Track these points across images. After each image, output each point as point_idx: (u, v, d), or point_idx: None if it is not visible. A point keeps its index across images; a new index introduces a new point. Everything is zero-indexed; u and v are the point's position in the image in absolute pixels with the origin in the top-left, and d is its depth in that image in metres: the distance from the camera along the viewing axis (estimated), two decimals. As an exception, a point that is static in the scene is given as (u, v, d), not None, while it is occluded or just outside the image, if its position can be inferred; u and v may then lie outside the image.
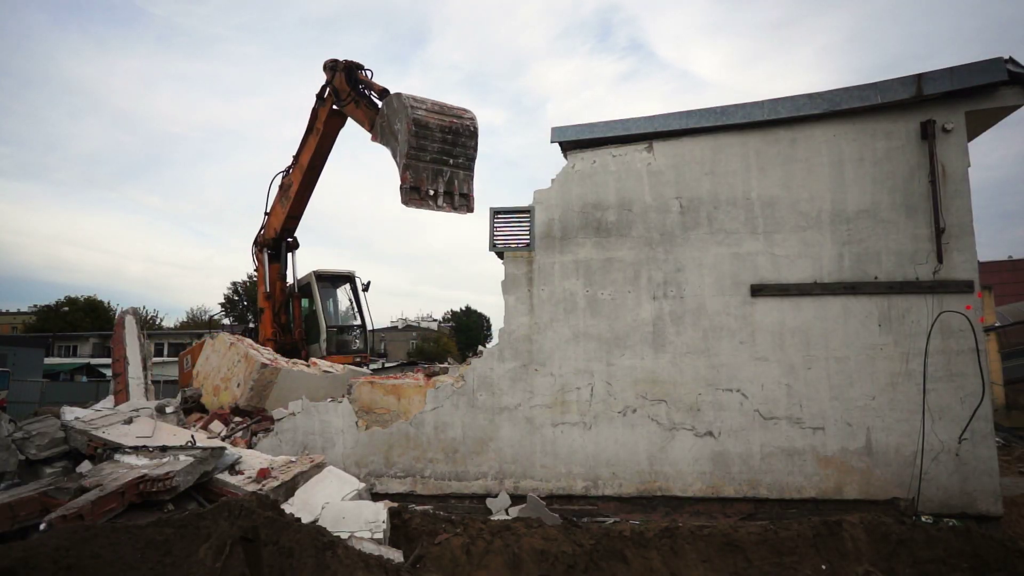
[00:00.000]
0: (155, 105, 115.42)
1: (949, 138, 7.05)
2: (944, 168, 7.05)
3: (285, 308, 13.09)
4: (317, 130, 11.16)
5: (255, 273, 13.52)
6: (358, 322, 15.07)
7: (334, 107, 10.61)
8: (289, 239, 12.77)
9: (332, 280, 14.57)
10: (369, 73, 10.21)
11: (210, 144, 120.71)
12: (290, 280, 13.22)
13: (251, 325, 14.72)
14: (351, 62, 10.32)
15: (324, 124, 10.99)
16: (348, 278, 14.92)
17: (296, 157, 11.81)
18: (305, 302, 14.18)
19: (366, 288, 14.86)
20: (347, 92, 10.10)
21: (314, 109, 11.18)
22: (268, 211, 12.59)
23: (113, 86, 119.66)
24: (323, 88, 10.84)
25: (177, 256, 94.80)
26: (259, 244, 12.82)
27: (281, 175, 12.16)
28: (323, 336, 13.61)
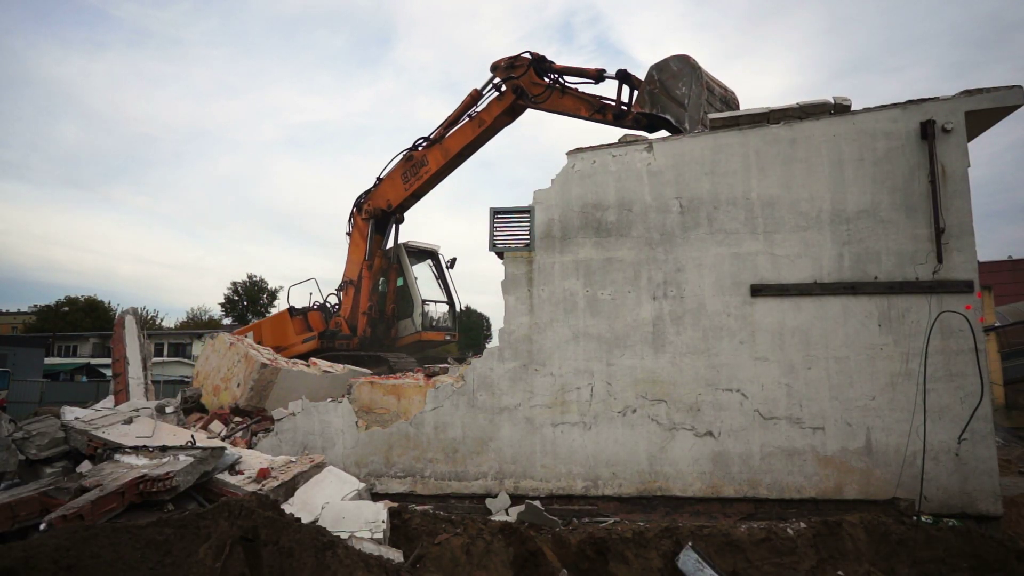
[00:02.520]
0: (128, 107, 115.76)
1: (949, 138, 7.05)
2: (944, 168, 7.05)
3: (376, 283, 12.59)
4: (481, 120, 10.44)
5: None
6: (444, 299, 14.18)
7: (518, 102, 9.99)
8: (399, 215, 12.17)
9: (418, 255, 13.80)
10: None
11: (186, 146, 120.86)
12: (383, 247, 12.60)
13: (332, 302, 13.73)
14: (535, 55, 9.72)
15: (494, 120, 10.32)
16: (431, 254, 14.12)
17: (439, 139, 10.89)
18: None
19: (451, 265, 13.98)
20: (542, 87, 9.57)
21: (474, 96, 10.43)
22: (381, 178, 11.80)
23: (84, 88, 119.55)
24: (499, 83, 10.12)
25: (166, 257, 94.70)
26: (365, 212, 12.05)
27: (410, 150, 11.25)
28: (417, 310, 12.95)
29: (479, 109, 10.54)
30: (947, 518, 6.47)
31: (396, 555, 5.15)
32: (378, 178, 11.88)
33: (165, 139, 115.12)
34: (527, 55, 9.81)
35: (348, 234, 12.48)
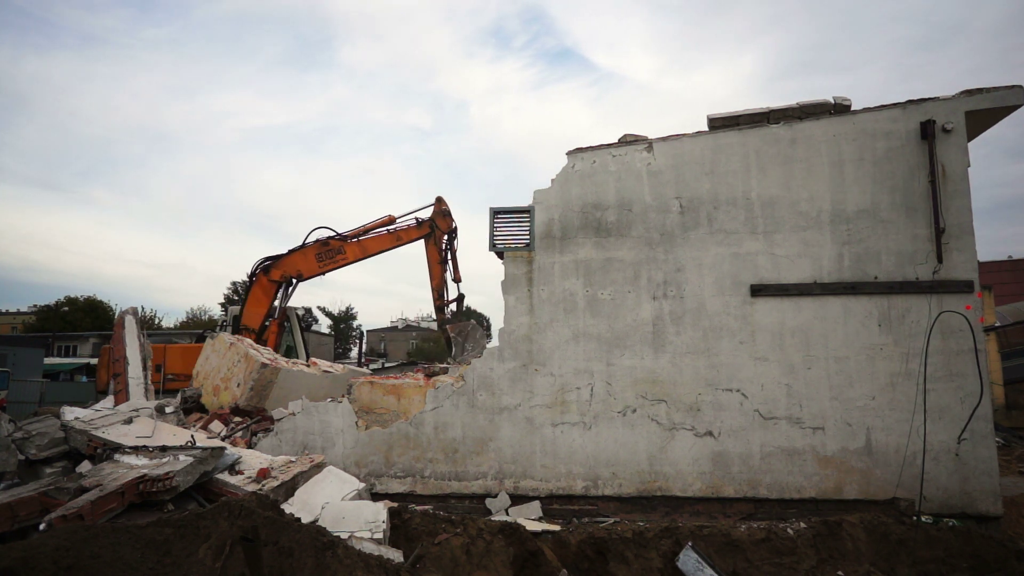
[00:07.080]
0: (85, 110, 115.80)
1: (949, 138, 7.06)
2: (944, 168, 7.05)
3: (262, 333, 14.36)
4: (398, 238, 13.54)
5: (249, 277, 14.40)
6: (298, 354, 15.93)
7: (424, 238, 13.34)
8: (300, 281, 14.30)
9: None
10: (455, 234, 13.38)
11: (151, 147, 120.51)
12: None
13: None
14: (453, 226, 13.32)
15: (409, 240, 13.45)
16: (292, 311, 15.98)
17: (358, 238, 13.55)
18: None
19: (302, 318, 16.11)
20: (441, 252, 13.22)
21: (391, 219, 13.41)
22: (294, 250, 13.64)
23: (38, 90, 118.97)
24: (425, 221, 13.30)
25: (151, 257, 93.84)
26: (273, 278, 13.78)
27: (330, 235, 13.56)
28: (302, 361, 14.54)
29: (398, 228, 13.55)
30: (947, 518, 6.47)
31: (396, 555, 5.15)
32: (291, 251, 13.85)
33: (127, 141, 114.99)
34: (452, 222, 13.36)
35: (248, 286, 14.28)
